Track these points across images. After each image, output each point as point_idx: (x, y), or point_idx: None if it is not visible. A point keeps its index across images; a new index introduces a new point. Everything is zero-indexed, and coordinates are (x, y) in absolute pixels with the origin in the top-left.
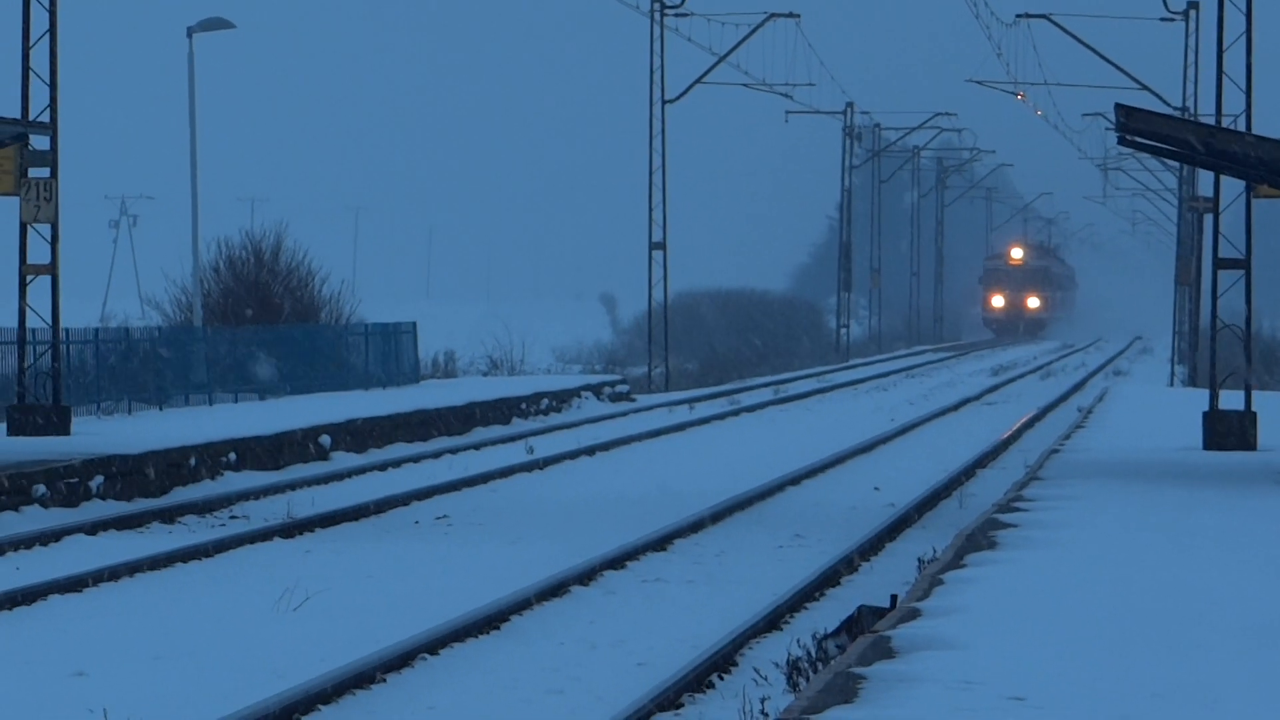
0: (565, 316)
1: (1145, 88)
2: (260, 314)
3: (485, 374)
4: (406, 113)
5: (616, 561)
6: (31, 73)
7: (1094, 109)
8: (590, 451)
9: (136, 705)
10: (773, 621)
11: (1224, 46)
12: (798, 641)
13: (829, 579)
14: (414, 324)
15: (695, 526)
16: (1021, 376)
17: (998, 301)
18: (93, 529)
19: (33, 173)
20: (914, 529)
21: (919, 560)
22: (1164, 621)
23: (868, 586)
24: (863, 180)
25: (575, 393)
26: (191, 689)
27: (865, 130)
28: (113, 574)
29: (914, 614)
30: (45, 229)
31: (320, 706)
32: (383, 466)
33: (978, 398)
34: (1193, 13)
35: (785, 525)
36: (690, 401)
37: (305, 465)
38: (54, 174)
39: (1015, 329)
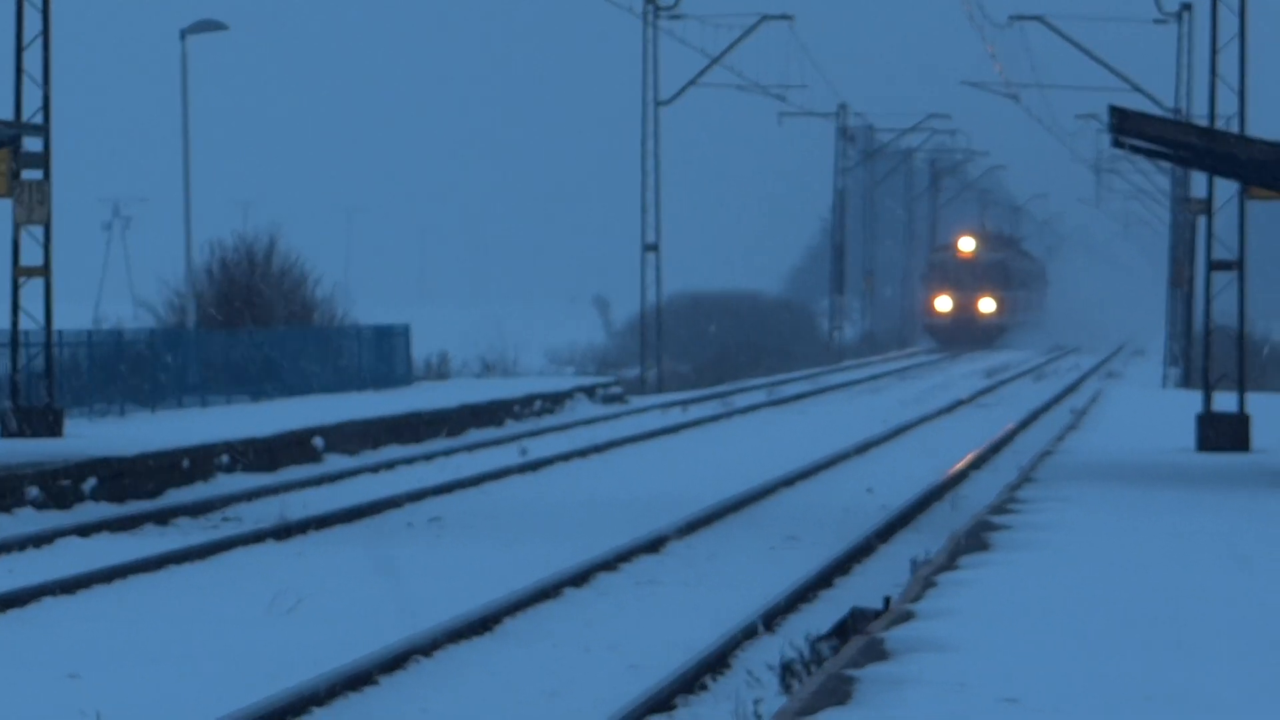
0: (558, 319)
1: (1138, 89)
2: (254, 316)
3: (478, 376)
4: (399, 114)
5: (610, 563)
6: (25, 75)
7: (1087, 111)
8: (583, 453)
9: (130, 707)
10: (766, 623)
11: (1217, 48)
12: (791, 643)
13: (822, 581)
14: (407, 326)
15: (688, 528)
16: (1015, 379)
17: (943, 304)
18: (86, 531)
19: (26, 175)
20: (907, 531)
21: (912, 562)
22: (1157, 623)
23: (861, 588)
24: (856, 182)
25: (568, 395)
26: (185, 691)
27: (859, 132)
28: (106, 576)
29: (907, 616)
30: (38, 231)
31: (314, 708)
32: (376, 469)
33: (971, 400)
34: (1186, 14)
35: (778, 527)
36: (683, 403)
37: (298, 467)
38: (47, 176)
39: (965, 337)
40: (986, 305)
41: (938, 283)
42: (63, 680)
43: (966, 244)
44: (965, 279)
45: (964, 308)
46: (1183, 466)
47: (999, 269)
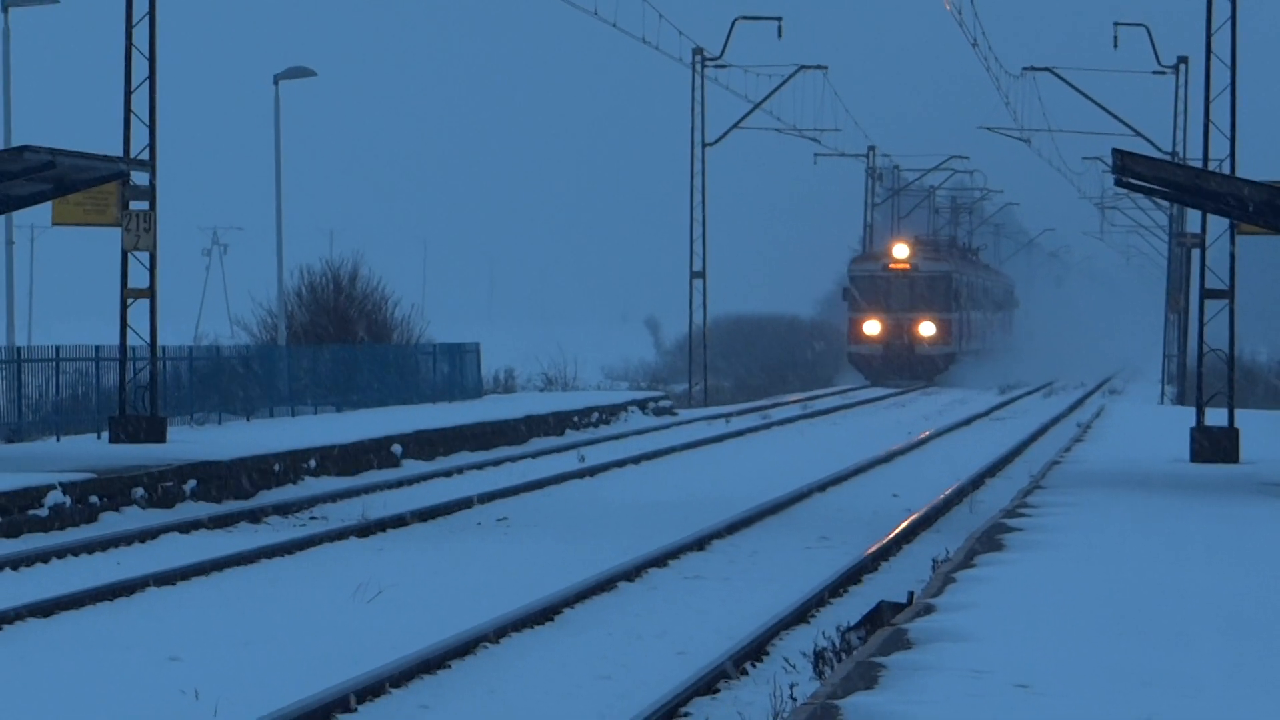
0: (613, 338)
1: (1139, 134)
2: (338, 335)
3: (541, 390)
4: (471, 153)
5: (660, 560)
6: (133, 115)
7: (1093, 153)
8: (636, 460)
9: (226, 687)
10: (801, 615)
11: (1211, 97)
12: (823, 633)
13: (852, 577)
14: (477, 344)
15: (731, 529)
16: (1026, 395)
17: (871, 328)
18: (186, 528)
19: (133, 205)
20: (929, 532)
21: (933, 560)
22: (1155, 617)
23: (887, 584)
24: (883, 216)
25: (622, 407)
26: (276, 672)
27: (886, 171)
28: (204, 569)
29: (929, 609)
30: (144, 256)
31: (392, 689)
32: (449, 473)
33: (986, 414)
34: (1182, 66)
35: (812, 528)
36: (726, 416)
37: (379, 471)
38: (152, 206)
39: (898, 370)
40: (926, 329)
41: (865, 302)
42: (164, 663)
43: (900, 252)
44: (900, 296)
45: (897, 332)
46: (1178, 475)
47: (943, 284)
